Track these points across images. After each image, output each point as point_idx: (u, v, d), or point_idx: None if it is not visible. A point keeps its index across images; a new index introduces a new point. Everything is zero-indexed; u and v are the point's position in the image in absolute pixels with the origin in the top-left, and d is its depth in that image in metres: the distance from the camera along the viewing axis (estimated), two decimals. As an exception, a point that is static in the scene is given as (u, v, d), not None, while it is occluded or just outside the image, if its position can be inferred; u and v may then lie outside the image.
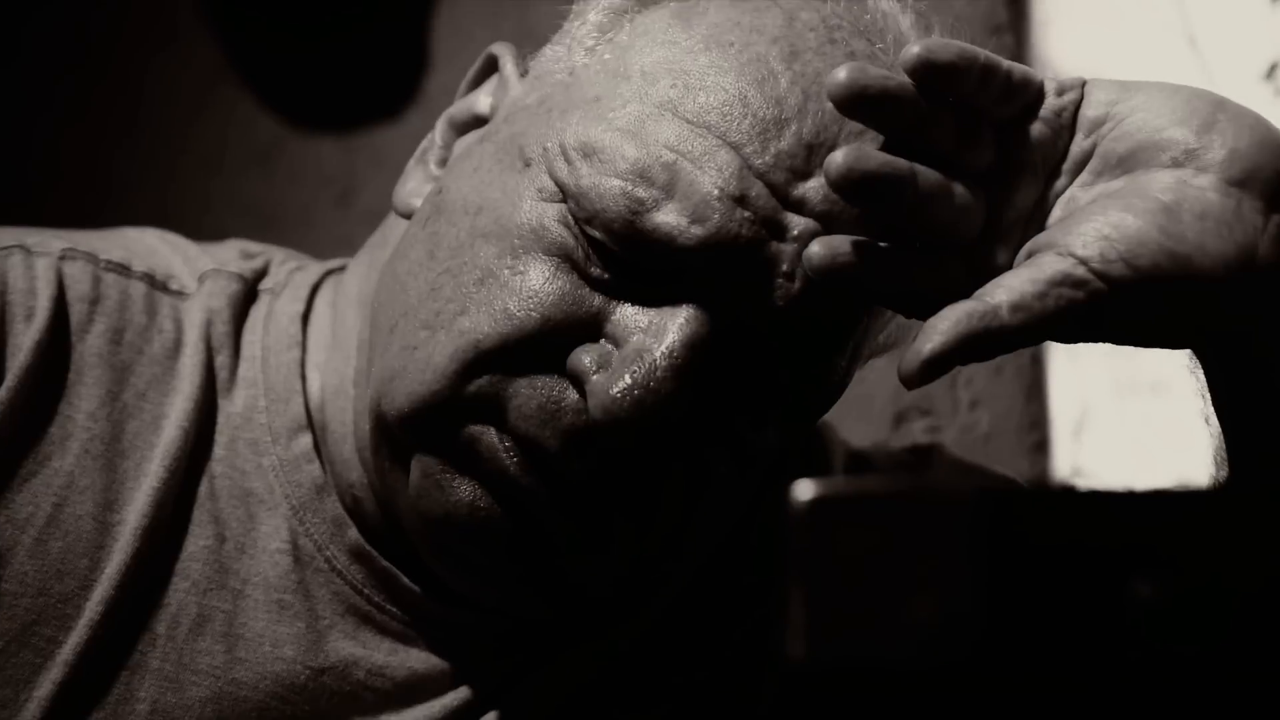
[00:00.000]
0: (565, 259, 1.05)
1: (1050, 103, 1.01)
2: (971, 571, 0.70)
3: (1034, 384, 1.78)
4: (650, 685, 1.22)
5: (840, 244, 0.97)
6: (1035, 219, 1.01)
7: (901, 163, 0.96)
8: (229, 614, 1.14)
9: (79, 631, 1.10)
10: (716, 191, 1.02)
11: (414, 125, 1.94)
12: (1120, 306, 0.95)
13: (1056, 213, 1.01)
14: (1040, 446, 1.75)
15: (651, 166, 1.03)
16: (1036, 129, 1.01)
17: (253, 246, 1.30)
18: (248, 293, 1.23)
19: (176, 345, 1.18)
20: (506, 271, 1.06)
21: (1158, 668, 0.70)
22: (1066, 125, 1.01)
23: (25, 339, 1.12)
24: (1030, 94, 1.01)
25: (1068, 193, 1.01)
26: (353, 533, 1.17)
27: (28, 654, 1.09)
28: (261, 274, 1.26)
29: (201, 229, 1.35)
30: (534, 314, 1.05)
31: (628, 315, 1.05)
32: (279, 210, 1.98)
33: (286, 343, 1.21)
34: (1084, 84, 1.02)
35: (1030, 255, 0.98)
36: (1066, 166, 1.01)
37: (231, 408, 1.18)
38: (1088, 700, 0.70)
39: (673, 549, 1.13)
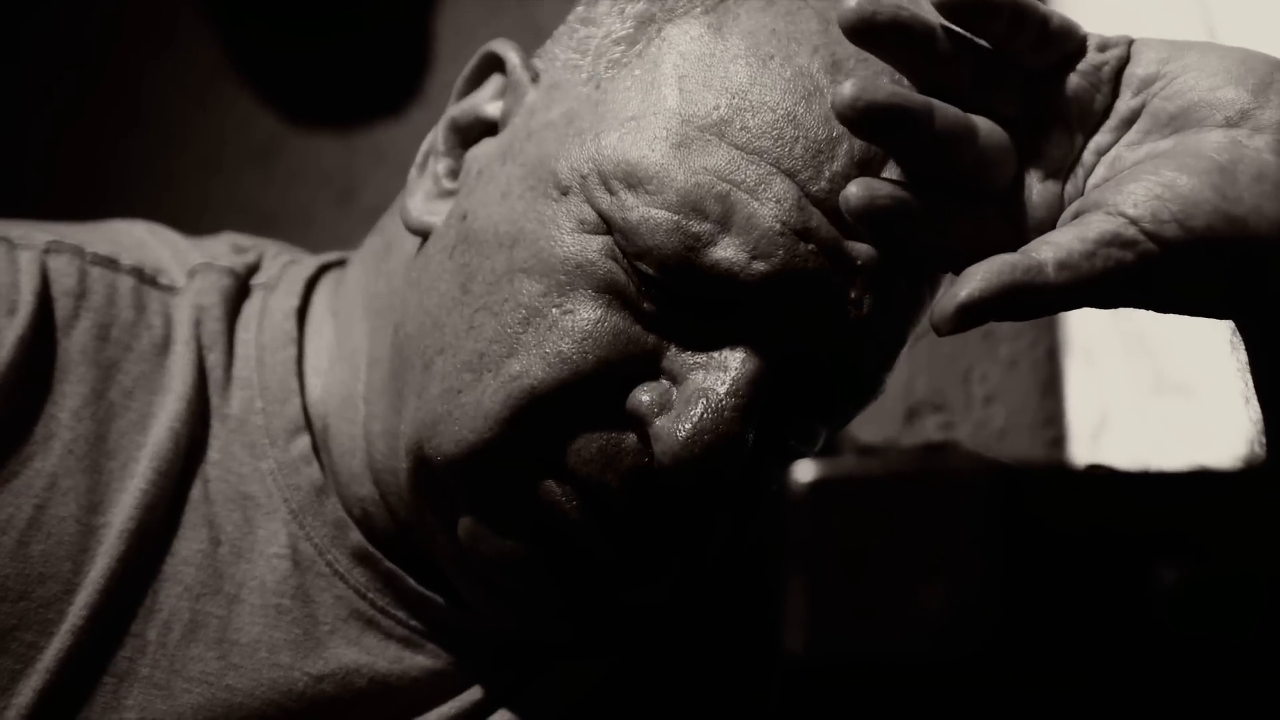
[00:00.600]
0: (616, 295, 1.02)
1: (1091, 57, 0.97)
2: (984, 558, 0.66)
3: (1050, 380, 1.75)
4: (662, 686, 1.19)
5: (879, 186, 0.93)
6: (1071, 176, 0.98)
7: (915, 96, 0.93)
8: (223, 619, 1.11)
9: (61, 637, 1.07)
10: (779, 225, 0.99)
11: (416, 122, 1.91)
12: (1171, 269, 0.91)
13: (1100, 172, 0.97)
14: (1056, 443, 1.73)
15: (704, 198, 0.99)
16: (1072, 81, 0.97)
17: (245, 240, 1.27)
18: (240, 288, 1.20)
19: (166, 342, 1.15)
20: (555, 310, 1.02)
21: (1183, 659, 0.67)
22: (1107, 81, 0.97)
23: (8, 334, 1.09)
24: (1070, 45, 0.97)
25: (1113, 151, 0.97)
26: (355, 535, 1.14)
27: (7, 660, 1.06)
28: (254, 268, 1.23)
29: (200, 228, 1.32)
30: (590, 356, 1.01)
31: (684, 350, 1.02)
32: (278, 209, 1.95)
33: (282, 340, 1.18)
34: (1131, 42, 0.98)
35: (1077, 216, 0.94)
36: (1112, 124, 0.98)
37: (226, 409, 1.15)
38: (1108, 694, 0.67)
39: (718, 565, 1.11)
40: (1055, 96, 0.97)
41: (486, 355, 1.03)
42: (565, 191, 1.04)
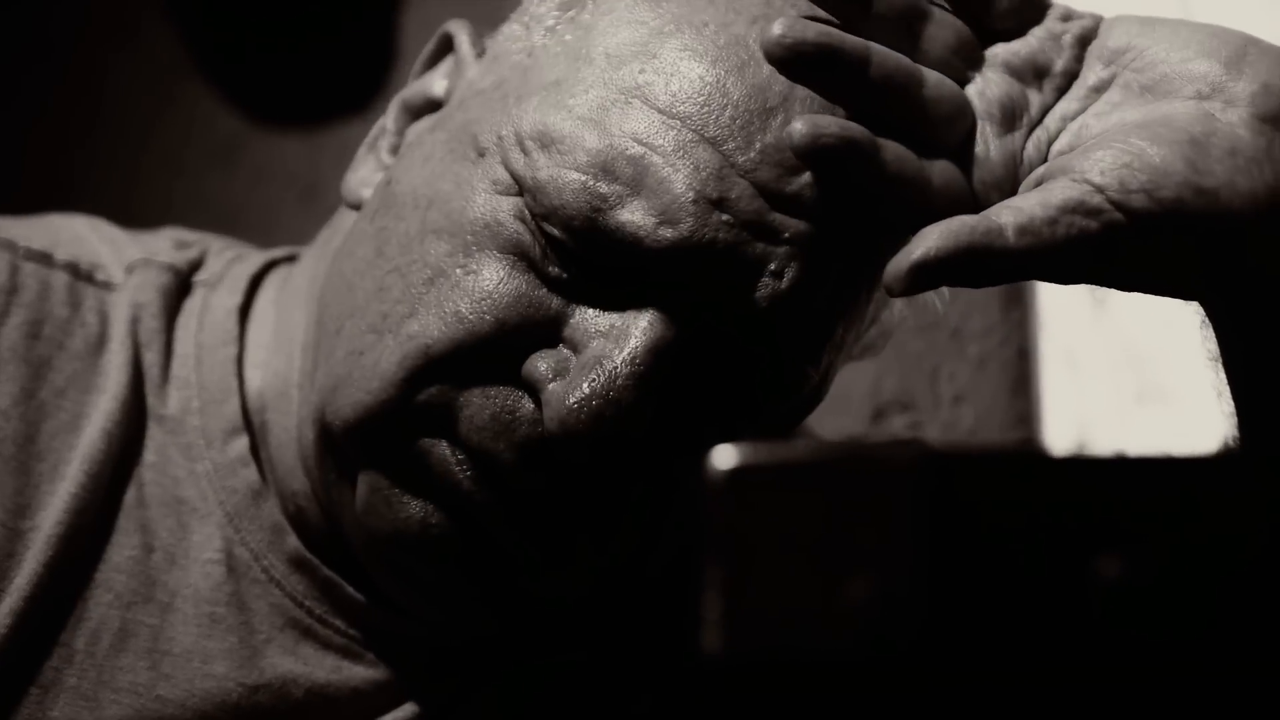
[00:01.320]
0: (521, 257, 0.99)
1: (1052, 24, 0.96)
2: (913, 550, 0.63)
3: (1020, 379, 1.73)
4: (609, 699, 1.16)
5: (825, 122, 0.90)
6: (1032, 138, 0.95)
7: (850, 37, 0.91)
8: (155, 628, 1.08)
9: None
10: (692, 194, 0.96)
11: (381, 121, 1.91)
12: (1137, 242, 0.88)
13: (1065, 139, 0.95)
14: (1027, 445, 1.70)
15: (615, 159, 0.97)
16: (1030, 43, 0.96)
17: (188, 235, 1.24)
18: (180, 285, 1.17)
19: (101, 340, 1.12)
20: (459, 271, 1.00)
21: (1124, 659, 0.63)
22: (1068, 46, 0.96)
23: None
24: (1030, 12, 0.96)
25: (1079, 120, 0.95)
26: (292, 540, 1.11)
27: None
28: (197, 264, 1.20)
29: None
30: (487, 317, 0.99)
31: (588, 318, 0.99)
32: (242, 208, 1.95)
33: (222, 339, 1.15)
34: (1100, 19, 0.97)
35: (1040, 183, 0.92)
36: (1079, 93, 0.95)
37: (163, 410, 1.12)
38: (1044, 695, 0.63)
39: (638, 562, 1.07)
40: (1012, 57, 0.96)
41: (390, 316, 1.01)
42: (482, 153, 1.02)
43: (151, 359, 1.13)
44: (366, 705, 1.11)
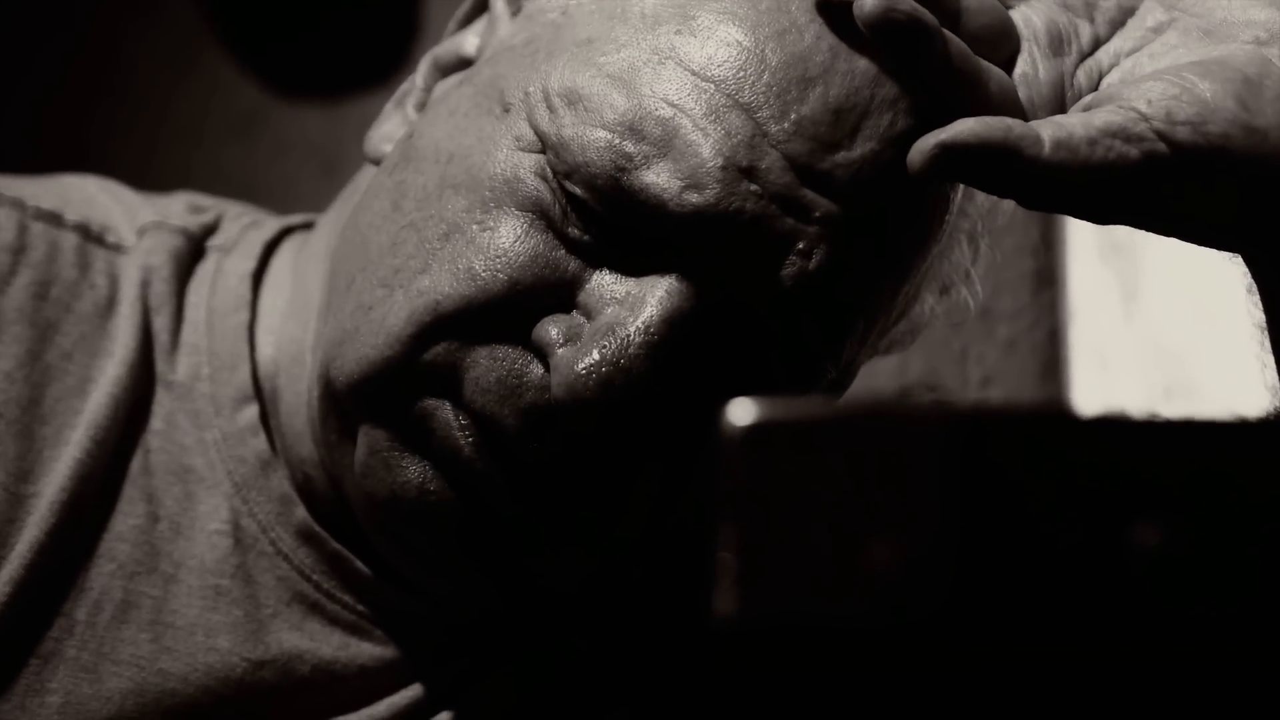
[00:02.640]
0: (540, 216, 0.97)
1: None
2: (940, 512, 0.60)
3: (1050, 362, 1.72)
4: (612, 685, 1.14)
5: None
6: (1083, 67, 0.95)
7: None
8: (158, 600, 1.06)
9: None
10: (721, 160, 0.94)
11: (403, 92, 1.91)
12: (1178, 177, 0.87)
13: (1116, 75, 0.94)
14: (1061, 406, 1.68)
15: (644, 119, 0.95)
16: None
17: (203, 200, 1.22)
18: (193, 249, 1.15)
19: (110, 303, 1.11)
20: (475, 227, 0.98)
21: (1163, 630, 0.60)
22: None
23: None
24: None
25: (1133, 58, 0.94)
26: (301, 512, 1.09)
27: None
28: (211, 229, 1.18)
29: (180, 199, 1.28)
30: (500, 275, 0.97)
31: (605, 284, 0.97)
32: (261, 181, 1.94)
33: (235, 304, 1.13)
34: None
35: (1088, 110, 0.91)
36: (1136, 33, 0.95)
37: (172, 375, 1.10)
38: (1078, 667, 0.61)
39: (648, 543, 1.05)
40: None
41: (402, 271, 0.99)
42: (508, 109, 1.00)
43: (161, 324, 1.11)
44: (373, 684, 1.09)
